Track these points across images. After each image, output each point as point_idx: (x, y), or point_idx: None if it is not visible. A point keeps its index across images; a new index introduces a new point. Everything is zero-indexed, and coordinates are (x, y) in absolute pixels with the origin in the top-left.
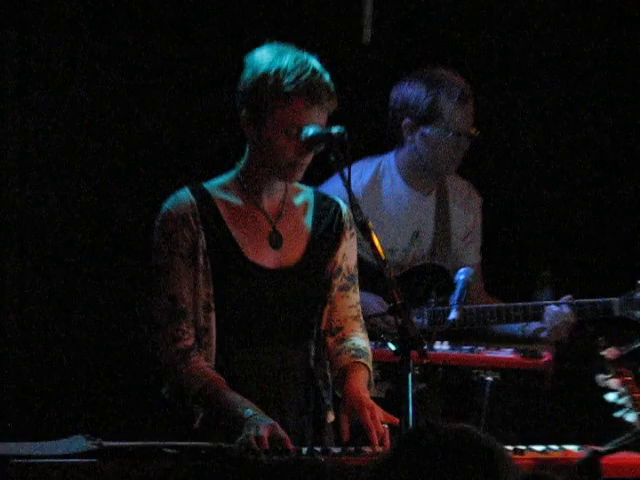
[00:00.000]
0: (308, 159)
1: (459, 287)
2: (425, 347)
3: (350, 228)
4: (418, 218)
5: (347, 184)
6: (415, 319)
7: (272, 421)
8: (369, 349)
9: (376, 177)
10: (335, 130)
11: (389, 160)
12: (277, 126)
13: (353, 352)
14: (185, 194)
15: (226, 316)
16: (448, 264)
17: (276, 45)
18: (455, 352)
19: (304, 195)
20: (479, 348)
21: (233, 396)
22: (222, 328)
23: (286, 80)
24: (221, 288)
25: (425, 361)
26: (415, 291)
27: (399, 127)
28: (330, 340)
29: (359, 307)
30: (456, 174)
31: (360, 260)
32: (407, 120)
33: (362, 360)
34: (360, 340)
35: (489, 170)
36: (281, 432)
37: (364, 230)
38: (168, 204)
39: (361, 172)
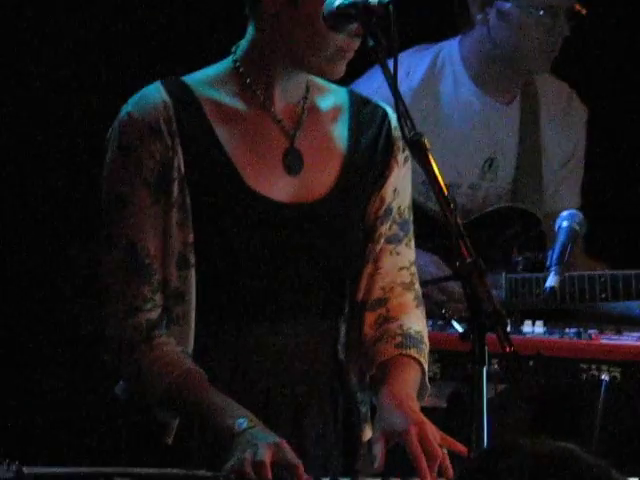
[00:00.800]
0: (350, 47)
1: (561, 240)
2: (508, 329)
3: (404, 150)
4: (494, 139)
5: (392, 81)
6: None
7: (276, 438)
8: (425, 335)
9: (432, 75)
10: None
11: (451, 51)
12: None
13: (400, 339)
14: (155, 91)
15: (213, 276)
16: (537, 208)
17: None
18: (554, 337)
19: (334, 96)
20: (590, 332)
21: (219, 398)
22: (206, 294)
23: None
24: (207, 233)
25: (508, 350)
26: (489, 248)
27: (466, 8)
28: (369, 318)
29: (413, 269)
30: (550, 73)
31: None
32: None
33: (412, 353)
34: (412, 321)
35: (596, 70)
36: (290, 455)
37: (417, 151)
38: (130, 106)
39: (409, 67)
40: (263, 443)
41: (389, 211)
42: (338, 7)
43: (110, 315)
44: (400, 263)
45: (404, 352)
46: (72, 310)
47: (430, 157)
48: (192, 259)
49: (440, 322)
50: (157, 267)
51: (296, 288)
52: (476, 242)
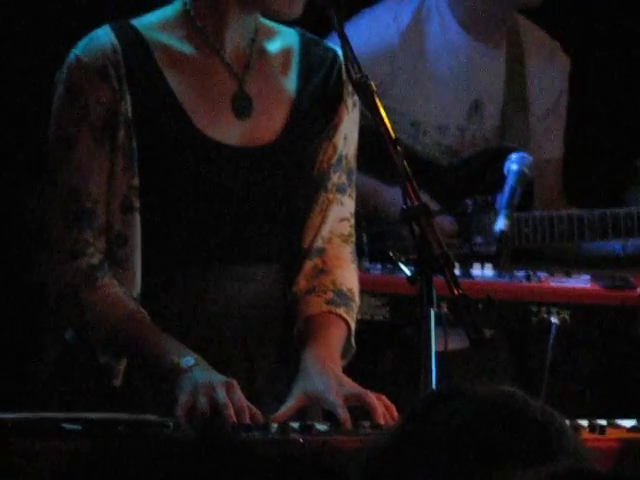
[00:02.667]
0: None
1: (510, 183)
2: (457, 272)
3: (353, 94)
4: (480, 81)
5: (338, 22)
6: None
7: (225, 378)
8: (357, 293)
9: (419, 19)
10: None
11: None
12: None
13: (331, 296)
14: (104, 35)
15: (160, 220)
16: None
17: None
18: (504, 280)
19: (283, 38)
20: (540, 274)
21: (163, 338)
22: (153, 239)
23: None
24: (154, 177)
25: (456, 292)
26: (478, 187)
27: None
28: (306, 266)
29: (353, 221)
30: (533, 24)
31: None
32: None
33: (341, 312)
34: (346, 277)
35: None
36: (240, 395)
37: (363, 93)
38: (79, 49)
39: (395, 12)
40: (218, 382)
41: (340, 159)
42: None
43: (52, 259)
44: (342, 214)
45: (333, 310)
46: (25, 254)
47: (377, 100)
48: (136, 203)
49: (389, 265)
50: (99, 211)
51: (244, 232)
52: (466, 181)
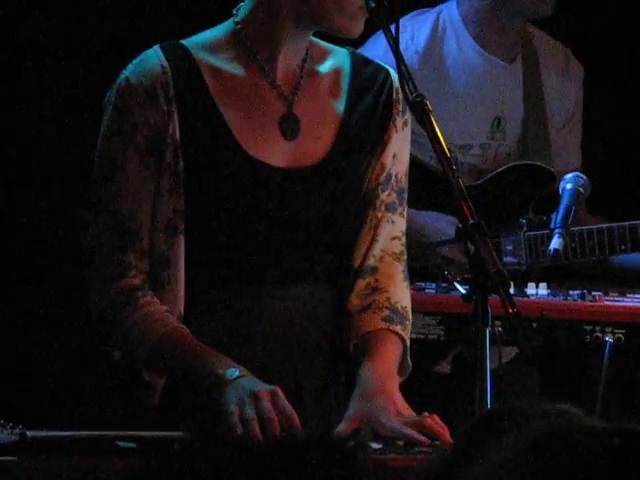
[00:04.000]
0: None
1: (565, 202)
2: (512, 290)
3: (404, 113)
4: (500, 97)
5: (394, 43)
6: (506, 248)
7: (270, 386)
8: (410, 311)
9: (435, 38)
10: None
11: (450, 12)
12: None
13: (387, 313)
14: (154, 56)
15: (203, 241)
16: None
17: None
18: (558, 299)
19: (334, 59)
20: (594, 293)
21: (208, 351)
22: (195, 259)
23: None
24: (201, 199)
25: (511, 311)
26: (505, 206)
27: None
28: (358, 285)
29: (404, 240)
30: (546, 34)
31: (412, 161)
32: None
33: (398, 329)
34: (400, 295)
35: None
36: (285, 403)
37: (419, 112)
38: (128, 70)
39: (412, 32)
40: (264, 391)
41: (389, 178)
42: None
43: (94, 280)
44: (393, 232)
45: (390, 327)
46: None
47: (432, 119)
48: (181, 225)
49: (443, 284)
50: (143, 234)
51: (291, 253)
52: (492, 201)
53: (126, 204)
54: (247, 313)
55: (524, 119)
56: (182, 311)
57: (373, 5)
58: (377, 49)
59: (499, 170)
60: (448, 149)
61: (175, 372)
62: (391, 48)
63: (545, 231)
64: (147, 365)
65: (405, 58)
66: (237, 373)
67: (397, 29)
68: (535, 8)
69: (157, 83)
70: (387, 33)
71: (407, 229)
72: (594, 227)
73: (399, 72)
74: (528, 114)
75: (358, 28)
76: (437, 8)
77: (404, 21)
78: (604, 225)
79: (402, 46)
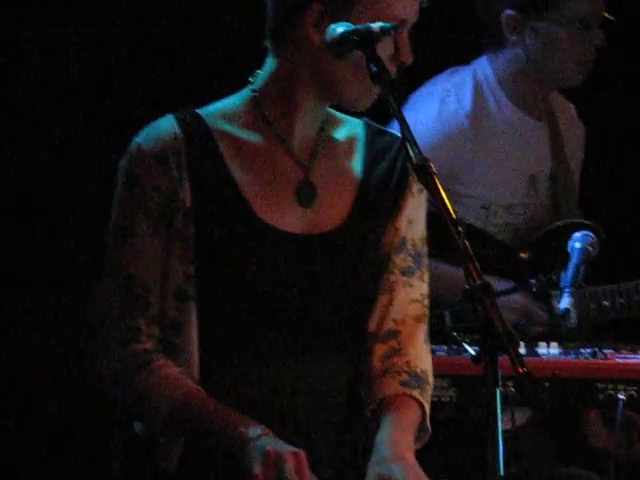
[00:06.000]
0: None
1: (574, 261)
2: (522, 350)
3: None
4: (533, 155)
5: (396, 107)
6: (556, 304)
7: (294, 448)
8: (431, 374)
9: (478, 98)
10: (377, 26)
11: (485, 71)
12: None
13: (406, 377)
14: (166, 123)
15: (216, 308)
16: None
17: None
18: (570, 358)
19: (349, 127)
20: (606, 351)
21: (227, 411)
22: (208, 326)
23: None
24: (213, 266)
25: (521, 371)
26: (546, 267)
27: (496, 23)
28: (379, 350)
29: (426, 302)
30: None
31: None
32: (509, 12)
33: (416, 394)
34: (420, 358)
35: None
36: (309, 473)
37: (423, 175)
38: (140, 137)
39: (457, 93)
40: (287, 453)
41: (403, 242)
42: (341, 34)
43: (104, 346)
44: (413, 295)
45: (407, 392)
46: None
47: (437, 181)
48: (192, 291)
49: (454, 346)
50: (154, 299)
51: (306, 320)
52: (538, 259)
53: (136, 269)
54: (261, 381)
55: (553, 176)
56: (197, 377)
57: (374, 70)
58: (429, 110)
59: (547, 230)
60: (454, 211)
61: (196, 432)
62: (395, 116)
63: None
64: (165, 428)
65: (456, 121)
66: (259, 431)
67: (399, 93)
68: (567, 79)
69: (168, 149)
70: (390, 96)
71: (443, 285)
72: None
73: (402, 135)
74: (556, 171)
75: (369, 102)
76: (470, 67)
77: (443, 84)
78: (623, 285)
79: (451, 109)
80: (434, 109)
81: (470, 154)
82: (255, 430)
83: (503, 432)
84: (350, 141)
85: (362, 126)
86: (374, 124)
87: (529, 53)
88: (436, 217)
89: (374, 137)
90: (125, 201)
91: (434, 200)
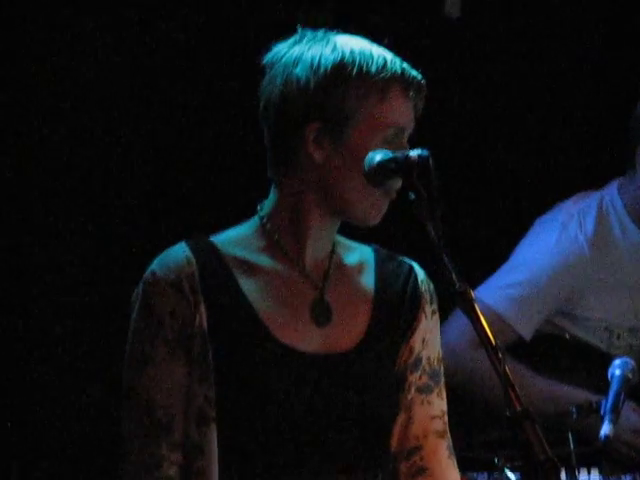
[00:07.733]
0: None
1: (614, 389)
2: (563, 477)
3: (431, 302)
4: None
5: (436, 234)
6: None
7: None
8: None
9: (602, 224)
10: (415, 154)
11: (612, 198)
12: (368, 134)
13: None
14: (179, 249)
15: (235, 429)
16: None
17: (311, 34)
18: None
19: (359, 253)
20: None
21: None
22: (227, 446)
23: (375, 66)
24: (230, 387)
25: None
26: None
27: (632, 153)
28: (403, 467)
29: (446, 419)
30: None
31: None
32: None
33: None
34: (446, 474)
35: None
36: None
37: (462, 301)
38: (154, 265)
39: (579, 218)
40: None
41: (418, 361)
42: (379, 163)
43: (128, 472)
44: (432, 412)
45: None
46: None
47: (476, 307)
48: (212, 414)
49: (495, 473)
50: (176, 425)
51: (324, 441)
52: None
53: (157, 395)
54: None
55: None
56: None
57: (413, 197)
58: (551, 234)
59: None
60: (493, 336)
61: None
62: (433, 239)
63: None
64: None
65: (576, 246)
66: None
67: (438, 221)
68: None
69: (182, 274)
70: (429, 223)
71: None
72: None
73: (442, 264)
74: None
75: (378, 219)
76: (598, 194)
77: (569, 209)
78: None
79: (572, 234)
80: (555, 233)
81: (591, 279)
82: None
83: None
84: (361, 264)
85: (371, 252)
86: (383, 250)
87: None
88: None
89: (384, 262)
90: (142, 328)
91: (474, 327)
